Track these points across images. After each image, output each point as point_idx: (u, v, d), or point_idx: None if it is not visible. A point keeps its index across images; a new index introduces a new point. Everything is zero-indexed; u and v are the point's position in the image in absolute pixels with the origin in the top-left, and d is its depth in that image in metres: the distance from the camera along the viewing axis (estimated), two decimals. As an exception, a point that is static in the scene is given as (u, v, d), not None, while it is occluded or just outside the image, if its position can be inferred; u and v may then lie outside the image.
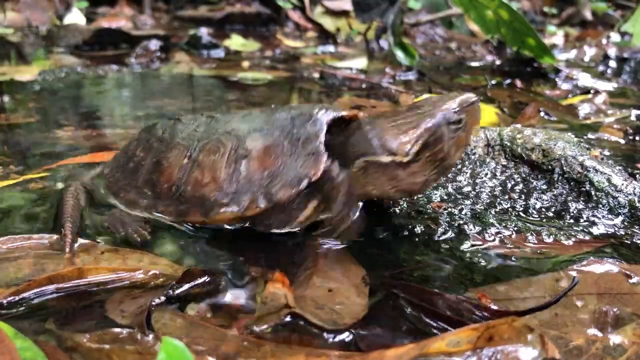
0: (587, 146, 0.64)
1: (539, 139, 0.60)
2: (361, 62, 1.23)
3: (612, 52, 1.36)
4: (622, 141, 0.75)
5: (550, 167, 0.56)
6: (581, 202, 0.53)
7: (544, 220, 0.51)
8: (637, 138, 0.77)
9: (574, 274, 0.42)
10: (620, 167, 0.61)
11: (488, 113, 0.86)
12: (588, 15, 1.92)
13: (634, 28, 1.53)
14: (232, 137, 0.47)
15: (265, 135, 0.46)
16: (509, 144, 0.60)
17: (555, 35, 1.63)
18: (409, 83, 1.08)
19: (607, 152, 0.67)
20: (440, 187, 0.55)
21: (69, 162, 0.61)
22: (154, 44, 1.22)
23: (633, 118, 0.85)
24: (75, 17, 1.54)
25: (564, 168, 0.56)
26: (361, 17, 1.24)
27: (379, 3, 1.22)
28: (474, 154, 0.60)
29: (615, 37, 1.79)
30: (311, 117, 0.47)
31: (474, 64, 1.29)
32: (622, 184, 0.54)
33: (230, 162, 0.45)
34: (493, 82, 1.08)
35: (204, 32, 1.36)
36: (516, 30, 1.17)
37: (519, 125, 0.71)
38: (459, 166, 0.58)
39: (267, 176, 0.44)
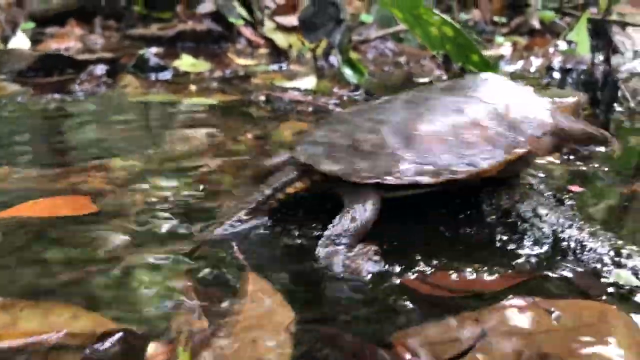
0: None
1: (468, 168, 0.61)
2: (310, 82, 1.23)
3: (556, 63, 1.40)
4: (558, 161, 0.77)
5: (479, 196, 0.58)
6: (508, 233, 0.54)
7: (470, 254, 0.52)
8: (571, 157, 0.79)
9: (495, 313, 0.42)
10: (550, 193, 0.62)
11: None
12: (536, 23, 1.97)
13: (577, 37, 1.57)
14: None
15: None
16: (440, 174, 0.61)
17: (503, 46, 1.67)
18: (356, 103, 1.08)
19: (541, 175, 0.69)
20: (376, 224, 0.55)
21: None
22: (100, 69, 1.20)
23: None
24: (20, 41, 1.51)
25: (493, 199, 0.57)
26: (308, 37, 1.25)
27: (325, 23, 1.22)
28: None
29: (562, 45, 1.84)
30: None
31: (422, 79, 1.31)
32: (547, 214, 0.55)
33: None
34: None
35: (151, 53, 1.35)
36: (460, 45, 1.19)
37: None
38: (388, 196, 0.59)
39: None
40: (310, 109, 1.02)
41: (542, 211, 0.55)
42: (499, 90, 0.59)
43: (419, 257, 0.50)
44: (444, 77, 1.33)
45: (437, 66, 1.43)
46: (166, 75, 1.30)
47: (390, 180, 0.51)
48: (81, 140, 0.86)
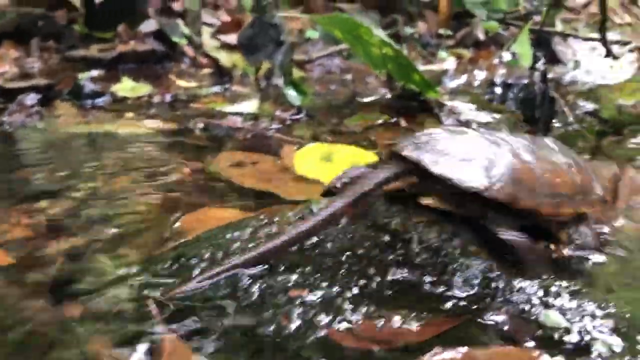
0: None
1: (400, 205, 0.60)
2: (252, 105, 1.21)
3: (498, 77, 1.41)
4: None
5: (409, 236, 0.56)
6: (437, 274, 0.53)
7: (400, 298, 0.50)
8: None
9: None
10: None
11: (368, 158, 0.87)
12: (481, 35, 1.99)
13: (520, 48, 1.59)
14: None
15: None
16: (370, 211, 0.59)
17: (446, 61, 1.68)
18: (296, 127, 1.07)
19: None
20: (300, 266, 0.53)
21: None
22: (31, 98, 1.15)
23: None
24: (-52, 68, 1.44)
25: (422, 237, 0.56)
26: (248, 59, 1.23)
27: (266, 45, 1.20)
28: (338, 223, 0.59)
29: (507, 56, 1.87)
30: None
31: (367, 99, 1.30)
32: (477, 251, 0.54)
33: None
34: (380, 121, 1.09)
35: (87, 79, 1.30)
36: (401, 65, 1.19)
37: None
38: (321, 237, 0.57)
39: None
40: (249, 135, 0.99)
41: (472, 248, 0.54)
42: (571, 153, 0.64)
43: (347, 305, 0.48)
44: (388, 95, 1.33)
45: (382, 84, 1.43)
46: (103, 101, 1.26)
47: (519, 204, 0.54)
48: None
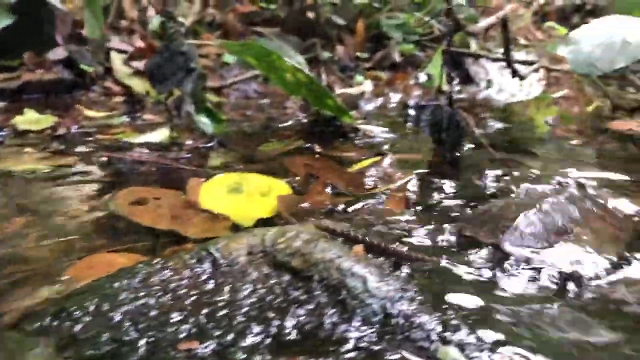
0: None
1: (300, 241, 0.58)
2: (162, 134, 1.17)
3: (412, 100, 1.43)
4: (403, 218, 0.75)
5: (309, 274, 0.54)
6: (337, 313, 0.51)
7: (298, 343, 0.48)
8: (418, 208, 0.79)
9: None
10: (388, 261, 0.61)
11: (281, 189, 0.85)
12: (397, 57, 2.03)
13: (434, 70, 1.63)
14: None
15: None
16: (271, 249, 0.57)
17: (363, 84, 1.69)
18: (207, 157, 1.04)
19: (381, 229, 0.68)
20: (193, 315, 0.50)
21: None
22: None
23: (414, 182, 0.88)
24: None
25: (323, 274, 0.54)
26: (157, 87, 1.19)
27: (175, 72, 1.17)
28: (236, 264, 0.57)
29: (423, 77, 1.90)
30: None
31: (284, 124, 1.29)
32: (377, 287, 0.53)
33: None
34: (294, 147, 1.08)
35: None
36: (315, 91, 1.19)
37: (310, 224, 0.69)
38: (220, 281, 0.54)
39: None
40: (155, 168, 0.95)
41: (373, 284, 0.53)
42: None
43: (241, 355, 0.46)
44: (305, 120, 1.32)
45: (299, 108, 1.42)
46: (2, 136, 1.18)
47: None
48: None
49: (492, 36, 3.58)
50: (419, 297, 0.53)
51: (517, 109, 1.52)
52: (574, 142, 1.16)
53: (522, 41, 2.35)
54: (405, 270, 0.60)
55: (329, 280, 0.53)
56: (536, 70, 1.44)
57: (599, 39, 1.08)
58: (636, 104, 1.32)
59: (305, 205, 0.78)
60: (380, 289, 0.52)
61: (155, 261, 0.56)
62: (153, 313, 0.49)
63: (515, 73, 1.21)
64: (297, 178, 0.90)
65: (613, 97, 1.40)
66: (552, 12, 5.56)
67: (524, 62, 1.47)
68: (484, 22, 1.15)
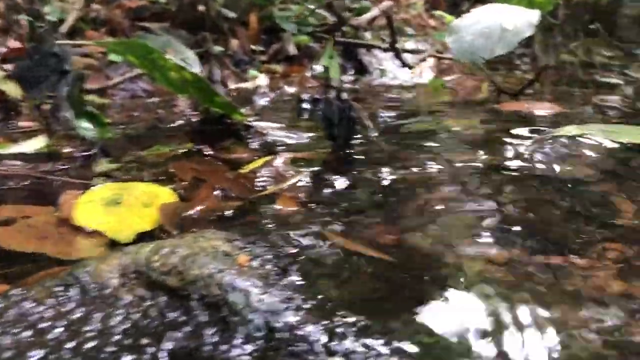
0: (241, 245, 0.60)
1: (177, 257, 0.54)
2: (39, 143, 1.08)
3: (306, 94, 1.41)
4: (298, 216, 0.73)
5: (187, 292, 0.51)
6: (218, 333, 0.48)
7: (176, 369, 0.45)
8: (311, 205, 0.77)
9: None
10: (274, 265, 0.58)
11: (166, 198, 0.80)
12: (292, 49, 2.01)
13: (328, 61, 1.62)
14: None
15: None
16: (144, 269, 0.53)
17: (258, 78, 1.66)
18: (87, 166, 0.97)
19: (266, 242, 0.65)
20: (53, 352, 0.45)
21: None
22: None
23: (307, 180, 0.86)
24: None
25: (202, 291, 0.51)
26: (29, 93, 1.09)
27: (48, 75, 1.08)
28: (107, 288, 0.52)
29: (319, 69, 1.89)
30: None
31: (172, 125, 1.23)
32: (260, 300, 0.50)
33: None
34: (182, 150, 1.03)
35: None
36: (202, 89, 1.14)
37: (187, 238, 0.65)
38: (89, 309, 0.49)
39: None
40: (27, 182, 0.87)
41: (256, 297, 0.50)
42: None
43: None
44: (195, 119, 1.27)
45: (190, 107, 1.36)
46: None
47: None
48: None
49: (384, 26, 3.64)
50: (306, 305, 0.51)
51: (410, 97, 1.55)
52: (461, 128, 1.19)
53: (414, 29, 2.39)
54: (293, 275, 0.58)
55: (209, 297, 0.50)
56: (424, 60, 1.47)
57: (479, 28, 1.10)
58: (519, 88, 1.37)
59: (192, 213, 0.74)
60: (264, 302, 0.50)
61: (13, 292, 0.51)
62: (7, 355, 0.44)
63: (403, 63, 1.22)
64: (184, 184, 0.85)
65: (499, 82, 1.45)
66: (443, -1, 5.76)
67: (412, 51, 1.49)
68: (367, 15, 1.15)
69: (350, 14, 2.64)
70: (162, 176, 0.90)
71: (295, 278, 0.57)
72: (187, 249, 0.55)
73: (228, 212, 0.75)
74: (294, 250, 0.62)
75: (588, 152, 0.97)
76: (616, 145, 0.98)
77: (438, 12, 2.17)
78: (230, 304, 0.49)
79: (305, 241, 0.66)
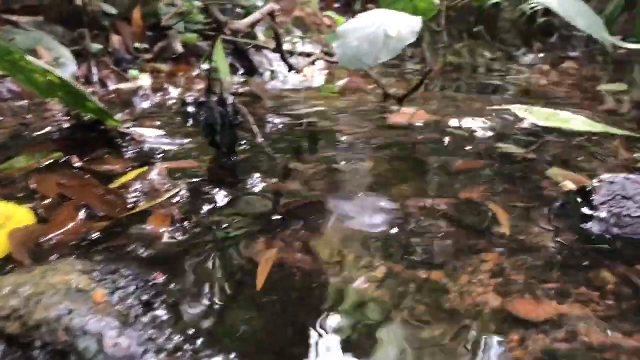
0: (100, 277, 0.54)
1: (19, 298, 0.47)
2: None
3: (191, 96, 1.35)
4: (166, 239, 0.68)
5: (30, 340, 0.45)
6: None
7: None
8: (185, 224, 0.72)
9: None
10: (137, 302, 0.53)
11: (22, 219, 0.72)
12: (179, 48, 1.92)
13: (217, 61, 1.55)
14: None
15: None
16: (-21, 314, 0.46)
17: (140, 78, 1.57)
18: None
19: (131, 271, 0.59)
20: None
21: None
22: None
23: (186, 194, 0.81)
24: None
25: (46, 338, 0.45)
26: None
27: None
28: None
29: (206, 69, 1.82)
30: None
31: (41, 132, 1.12)
32: (115, 344, 0.45)
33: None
34: (47, 162, 0.93)
35: None
36: (72, 93, 1.04)
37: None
38: None
39: None
40: None
41: (111, 341, 0.45)
42: None
43: None
44: (66, 125, 1.17)
45: (61, 111, 1.26)
46: None
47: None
48: None
49: (283, 22, 3.62)
50: (169, 346, 0.46)
51: (301, 101, 1.53)
52: (349, 136, 1.18)
53: (308, 29, 2.38)
54: (159, 309, 0.53)
55: (54, 344, 0.44)
56: (313, 63, 1.45)
57: (365, 34, 1.09)
58: (405, 92, 1.39)
59: (50, 237, 0.67)
60: (120, 347, 0.44)
61: None
62: None
63: (290, 67, 1.19)
64: (47, 202, 0.77)
65: (386, 87, 1.46)
66: (338, -2, 5.82)
67: (301, 54, 1.47)
68: (247, 19, 1.11)
69: (243, 11, 2.58)
70: (21, 193, 0.81)
71: (160, 313, 0.52)
72: (32, 287, 0.48)
73: (93, 235, 0.68)
74: (162, 279, 0.57)
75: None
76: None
77: (328, 13, 2.16)
78: (80, 351, 0.44)
79: (176, 268, 0.61)
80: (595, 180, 0.78)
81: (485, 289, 0.60)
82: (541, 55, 2.48)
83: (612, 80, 1.79)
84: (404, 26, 1.09)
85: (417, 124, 1.23)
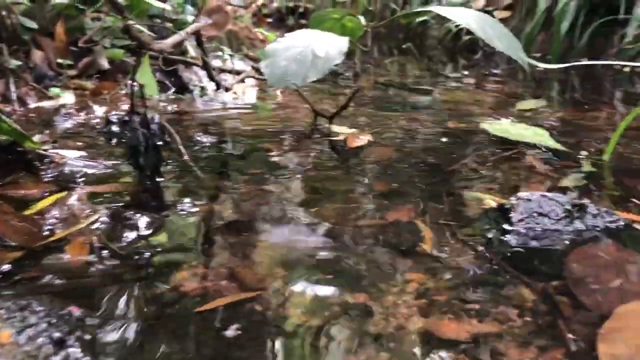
0: (7, 315, 0.51)
1: None
2: None
3: (115, 115, 1.31)
4: (84, 269, 0.65)
5: None
6: None
7: None
8: (104, 252, 0.69)
9: None
10: (49, 341, 0.50)
11: None
12: (105, 63, 1.87)
13: (143, 78, 1.52)
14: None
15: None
16: None
17: (62, 97, 1.51)
18: None
19: (44, 306, 0.56)
20: None
21: None
22: None
23: (107, 220, 0.78)
24: None
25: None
26: None
27: None
28: None
29: (133, 84, 1.77)
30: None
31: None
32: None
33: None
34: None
35: None
36: (-15, 114, 0.99)
37: None
38: None
39: None
40: None
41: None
42: None
43: None
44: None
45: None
46: None
47: None
48: None
49: (215, 36, 3.58)
50: None
51: (230, 119, 1.51)
52: (281, 156, 1.18)
53: (241, 43, 2.37)
54: (73, 347, 0.50)
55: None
56: (242, 81, 1.44)
57: (293, 53, 1.10)
58: (335, 111, 1.40)
59: (-45, 271, 0.63)
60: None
61: None
62: None
63: (218, 85, 1.18)
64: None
65: (314, 105, 1.47)
66: (270, 13, 5.84)
67: (231, 71, 1.45)
68: (171, 39, 1.09)
69: (172, 24, 2.54)
70: None
71: (74, 351, 0.50)
72: None
73: (3, 267, 0.64)
74: (77, 315, 0.54)
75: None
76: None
77: (259, 30, 2.16)
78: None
79: (93, 301, 0.58)
80: (513, 198, 0.80)
81: (410, 310, 0.61)
82: (466, 72, 2.57)
83: (532, 96, 1.88)
84: (331, 46, 1.10)
85: (351, 142, 1.24)
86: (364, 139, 1.26)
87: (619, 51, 2.59)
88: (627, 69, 2.46)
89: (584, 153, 1.16)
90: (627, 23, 2.64)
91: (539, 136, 1.27)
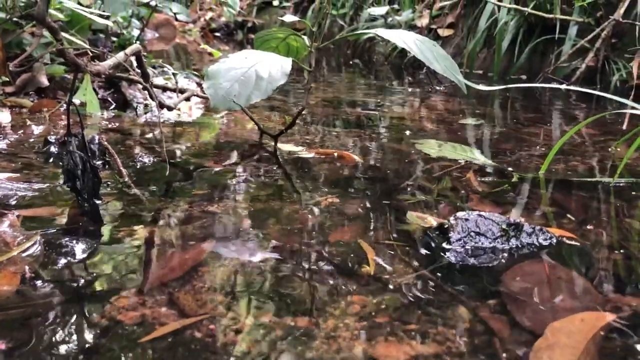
0: None
1: None
2: None
3: (53, 135, 1.27)
4: (13, 300, 0.62)
5: None
6: None
7: None
8: (37, 282, 0.67)
9: None
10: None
11: None
12: (44, 80, 1.81)
13: (85, 96, 1.48)
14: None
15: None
16: None
17: (1, 113, 1.46)
18: None
19: None
20: None
21: None
22: None
23: (38, 247, 0.75)
24: None
25: None
26: None
27: None
28: None
29: (76, 103, 1.73)
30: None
31: None
32: None
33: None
34: None
35: None
36: None
37: None
38: None
39: None
40: None
41: None
42: None
43: None
44: None
45: None
46: None
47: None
48: None
49: (164, 50, 3.54)
50: None
51: (175, 138, 1.49)
52: (226, 175, 1.17)
53: (190, 57, 2.34)
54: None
55: None
56: (188, 99, 1.42)
57: (236, 74, 1.10)
58: (280, 129, 1.40)
59: None
60: None
61: None
62: None
63: (161, 105, 1.16)
64: None
65: (259, 123, 1.47)
66: (219, 27, 5.82)
67: (174, 90, 1.43)
68: (109, 61, 1.07)
69: (117, 39, 2.49)
70: None
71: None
72: None
73: None
74: (3, 349, 0.52)
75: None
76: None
77: (204, 46, 2.15)
78: None
79: (22, 335, 0.56)
80: (452, 217, 0.82)
81: (352, 334, 0.61)
82: (410, 89, 2.62)
83: (473, 114, 1.93)
84: (275, 67, 1.11)
85: (297, 157, 1.24)
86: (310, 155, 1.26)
87: (555, 69, 2.70)
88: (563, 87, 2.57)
89: (520, 168, 1.20)
90: (563, 42, 2.76)
91: (469, 153, 1.31)
